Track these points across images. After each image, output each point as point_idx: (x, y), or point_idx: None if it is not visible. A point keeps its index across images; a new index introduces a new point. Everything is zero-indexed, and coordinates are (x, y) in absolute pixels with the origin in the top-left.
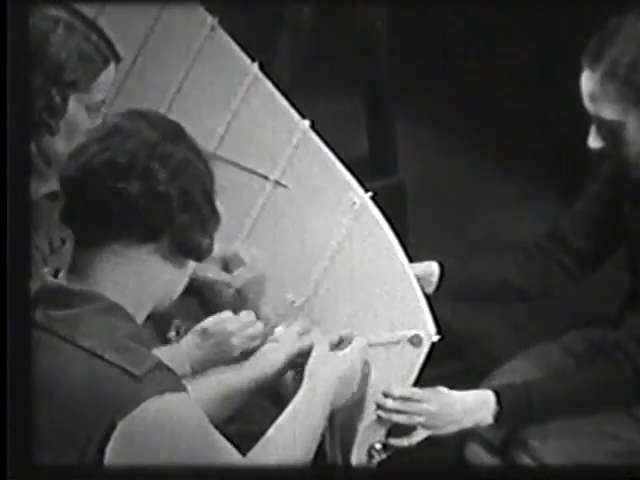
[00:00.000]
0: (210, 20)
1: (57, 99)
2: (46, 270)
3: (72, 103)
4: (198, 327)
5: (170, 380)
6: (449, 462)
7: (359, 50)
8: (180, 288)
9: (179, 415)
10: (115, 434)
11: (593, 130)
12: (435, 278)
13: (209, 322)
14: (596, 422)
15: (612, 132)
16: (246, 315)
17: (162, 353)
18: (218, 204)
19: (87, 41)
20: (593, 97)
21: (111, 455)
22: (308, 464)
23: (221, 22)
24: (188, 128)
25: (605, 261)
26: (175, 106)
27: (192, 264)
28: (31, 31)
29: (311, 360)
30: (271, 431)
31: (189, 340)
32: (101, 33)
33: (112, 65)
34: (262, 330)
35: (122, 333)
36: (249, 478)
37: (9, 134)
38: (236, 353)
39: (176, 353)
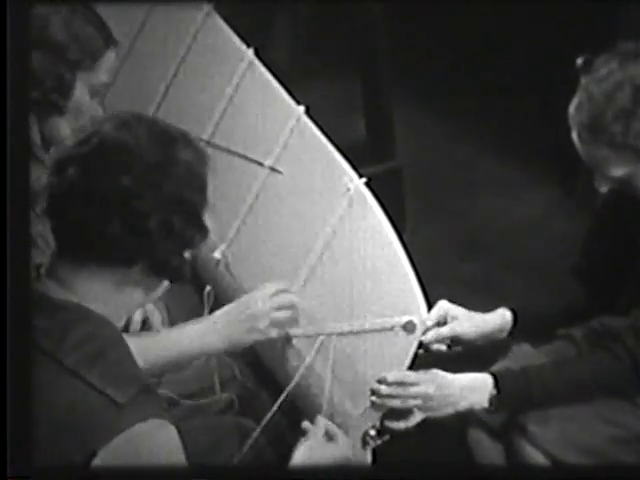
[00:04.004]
0: (205, 6)
1: (67, 76)
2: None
3: (78, 84)
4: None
5: (154, 405)
6: (451, 447)
7: (357, 34)
8: (159, 293)
9: (158, 444)
10: (95, 461)
11: (598, 178)
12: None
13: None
14: (596, 408)
15: (621, 182)
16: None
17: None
18: (210, 190)
19: (89, 23)
20: (593, 162)
21: None
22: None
23: (216, 8)
24: (183, 114)
25: None
26: (170, 92)
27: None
28: (34, 13)
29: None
30: None
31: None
32: (101, 19)
33: (112, 49)
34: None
35: (108, 355)
36: (249, 478)
37: (9, 121)
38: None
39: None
